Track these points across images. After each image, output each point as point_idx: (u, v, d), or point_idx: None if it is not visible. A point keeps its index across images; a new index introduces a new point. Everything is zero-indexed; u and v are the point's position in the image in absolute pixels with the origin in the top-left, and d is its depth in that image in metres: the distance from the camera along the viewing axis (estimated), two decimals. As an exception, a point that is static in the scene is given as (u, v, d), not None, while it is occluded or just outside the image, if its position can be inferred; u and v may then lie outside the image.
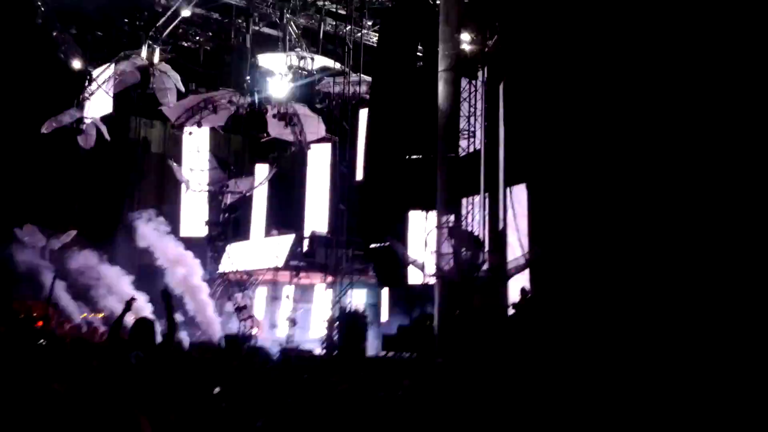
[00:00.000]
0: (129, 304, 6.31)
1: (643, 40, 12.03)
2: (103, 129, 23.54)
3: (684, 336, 11.24)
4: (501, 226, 15.34)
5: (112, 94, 23.52)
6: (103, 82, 23.43)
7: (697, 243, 11.70)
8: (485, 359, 12.68)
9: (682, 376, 10.42)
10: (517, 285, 14.26)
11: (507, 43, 15.72)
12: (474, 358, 12.86)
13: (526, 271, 14.35)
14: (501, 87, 16.05)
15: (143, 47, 22.65)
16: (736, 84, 11.11)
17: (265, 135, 22.23)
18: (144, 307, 17.20)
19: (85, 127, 23.61)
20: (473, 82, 16.97)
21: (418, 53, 19.13)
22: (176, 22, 22.54)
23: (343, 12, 21.26)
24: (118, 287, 19.05)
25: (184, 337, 17.36)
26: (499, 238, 15.24)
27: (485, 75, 16.45)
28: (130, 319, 6.02)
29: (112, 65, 23.36)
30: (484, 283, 14.48)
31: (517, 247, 14.85)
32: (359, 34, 20.95)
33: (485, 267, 14.84)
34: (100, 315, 20.17)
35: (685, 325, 11.32)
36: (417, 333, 15.30)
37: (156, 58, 22.59)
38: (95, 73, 24.15)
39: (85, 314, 20.95)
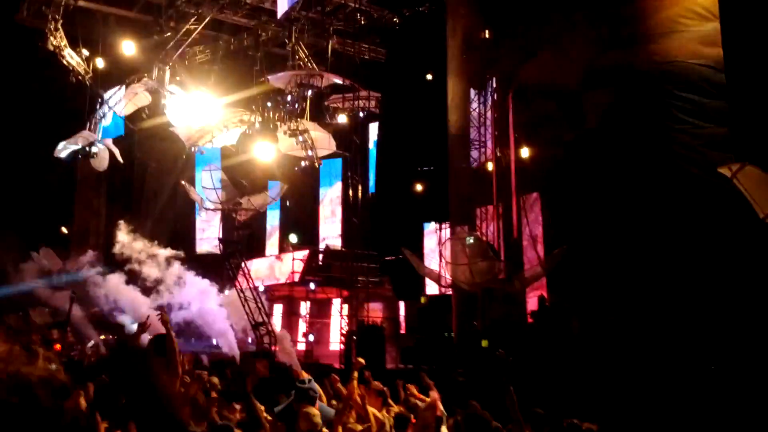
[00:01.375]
0: (144, 326, 6.36)
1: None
2: (116, 151, 23.77)
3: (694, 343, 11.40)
4: (515, 234, 15.40)
5: (123, 117, 23.81)
6: (115, 105, 23.71)
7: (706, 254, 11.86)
8: (506, 369, 12.72)
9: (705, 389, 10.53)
10: (535, 293, 14.32)
11: (515, 53, 15.84)
12: (495, 369, 12.90)
13: (543, 280, 14.40)
14: (510, 96, 16.18)
15: (153, 69, 22.91)
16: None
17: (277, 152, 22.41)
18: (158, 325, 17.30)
19: (98, 150, 23.84)
20: (482, 92, 17.10)
21: (426, 66, 19.30)
22: (186, 43, 22.77)
23: (350, 30, 21.46)
24: (134, 308, 19.14)
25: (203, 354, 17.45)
26: (513, 246, 15.29)
27: (494, 85, 16.57)
28: (145, 337, 6.07)
29: (123, 87, 23.63)
30: (501, 292, 14.51)
31: (532, 255, 14.90)
32: (367, 51, 21.17)
33: (501, 276, 14.88)
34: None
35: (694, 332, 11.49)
36: (436, 345, 15.33)
37: (166, 80, 22.83)
38: (107, 95, 24.44)
39: (104, 336, 21.07)
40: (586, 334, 12.74)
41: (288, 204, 22.78)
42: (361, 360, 7.52)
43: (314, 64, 22.33)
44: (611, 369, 11.86)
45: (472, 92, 17.00)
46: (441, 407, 7.20)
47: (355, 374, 7.06)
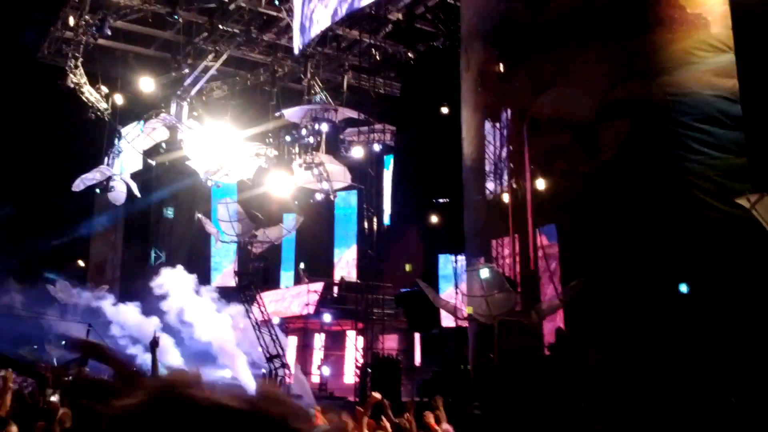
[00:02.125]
0: (154, 344, 6.52)
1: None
2: (133, 185, 24.07)
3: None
4: (532, 266, 15.32)
5: (141, 151, 24.14)
6: (133, 140, 24.07)
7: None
8: (523, 402, 12.57)
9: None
10: (552, 325, 14.20)
11: (529, 86, 15.94)
12: (512, 401, 12.75)
13: (560, 312, 14.27)
14: (525, 128, 16.23)
15: (171, 105, 23.30)
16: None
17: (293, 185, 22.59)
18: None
19: (115, 184, 24.15)
20: (497, 124, 17.17)
21: (441, 99, 19.48)
22: (204, 80, 23.16)
23: (365, 65, 21.78)
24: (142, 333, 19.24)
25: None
26: (530, 279, 15.20)
27: (509, 117, 16.65)
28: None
29: (141, 123, 24.01)
30: (518, 324, 14.38)
31: (549, 287, 14.81)
32: (381, 85, 21.42)
33: (518, 308, 14.77)
34: None
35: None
36: (452, 377, 15.17)
37: (184, 115, 23.20)
38: (124, 130, 24.82)
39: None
40: (605, 366, 12.59)
41: (302, 269, 22.72)
42: (377, 395, 7.44)
43: (329, 99, 22.62)
44: (630, 402, 11.71)
45: (487, 124, 17.08)
46: None
47: (365, 411, 6.93)
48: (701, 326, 11.84)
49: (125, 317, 19.97)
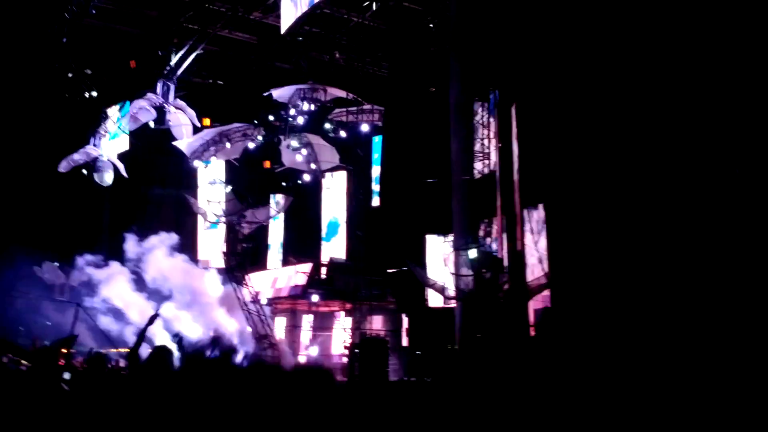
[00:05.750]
0: (152, 320, 6.50)
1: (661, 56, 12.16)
2: (120, 166, 23.89)
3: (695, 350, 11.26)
4: (519, 246, 15.36)
5: (128, 132, 23.91)
6: (119, 120, 23.84)
7: (710, 256, 11.77)
8: (508, 380, 12.65)
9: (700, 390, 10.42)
10: (538, 305, 14.27)
11: (518, 64, 15.89)
12: (497, 380, 12.83)
13: (547, 292, 14.34)
14: (513, 108, 16.20)
15: (158, 85, 23.07)
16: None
17: (279, 165, 22.50)
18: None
19: (102, 165, 23.96)
20: (485, 104, 17.13)
21: (429, 79, 19.39)
22: (190, 59, 22.93)
23: (353, 45, 21.59)
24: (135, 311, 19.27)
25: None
26: (517, 258, 15.25)
27: (497, 97, 16.60)
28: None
29: (128, 103, 23.77)
30: (505, 304, 14.46)
31: (536, 267, 14.87)
32: (370, 65, 21.27)
33: (505, 288, 14.83)
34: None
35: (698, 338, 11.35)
36: (439, 357, 15.26)
37: (171, 96, 22.98)
38: (110, 111, 24.57)
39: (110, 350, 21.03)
40: (590, 346, 12.65)
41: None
42: None
43: (317, 79, 22.45)
44: (615, 381, 11.77)
45: (476, 104, 17.03)
46: None
47: None
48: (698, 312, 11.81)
49: (114, 293, 20.00)
